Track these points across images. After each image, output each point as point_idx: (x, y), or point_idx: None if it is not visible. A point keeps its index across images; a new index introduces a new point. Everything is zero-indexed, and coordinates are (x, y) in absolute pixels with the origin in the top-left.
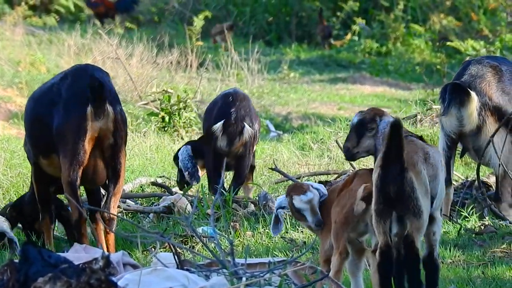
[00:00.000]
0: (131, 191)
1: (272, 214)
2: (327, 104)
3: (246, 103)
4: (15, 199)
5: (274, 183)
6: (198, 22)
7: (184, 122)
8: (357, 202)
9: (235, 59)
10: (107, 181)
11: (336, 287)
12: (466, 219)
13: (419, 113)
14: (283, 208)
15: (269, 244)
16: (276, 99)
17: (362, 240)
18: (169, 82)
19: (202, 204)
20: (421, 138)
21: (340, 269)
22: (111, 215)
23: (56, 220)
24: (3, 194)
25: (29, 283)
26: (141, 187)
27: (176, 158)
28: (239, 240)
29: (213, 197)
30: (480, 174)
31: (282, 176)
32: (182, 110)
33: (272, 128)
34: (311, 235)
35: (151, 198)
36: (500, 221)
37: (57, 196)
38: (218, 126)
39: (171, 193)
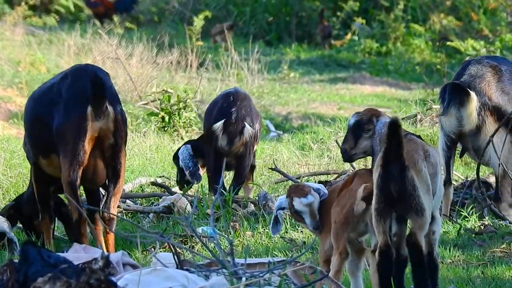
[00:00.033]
0: (131, 191)
1: (272, 214)
2: (327, 104)
3: (247, 102)
4: None
5: (274, 183)
6: (198, 22)
7: (184, 122)
8: (357, 202)
9: (235, 59)
10: (107, 181)
11: (336, 287)
12: (466, 219)
13: (419, 113)
14: (283, 209)
15: (269, 244)
16: (276, 99)
17: (362, 240)
18: (169, 82)
19: (202, 204)
20: (419, 137)
21: (340, 269)
22: (111, 215)
23: (56, 220)
24: (3, 194)
25: (28, 283)
26: (141, 187)
27: (175, 157)
28: (239, 240)
29: (213, 197)
30: (480, 174)
31: (282, 176)
32: (182, 110)
33: (272, 128)
34: (310, 235)
35: (151, 198)
36: (500, 221)
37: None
38: (218, 125)
39: (171, 193)
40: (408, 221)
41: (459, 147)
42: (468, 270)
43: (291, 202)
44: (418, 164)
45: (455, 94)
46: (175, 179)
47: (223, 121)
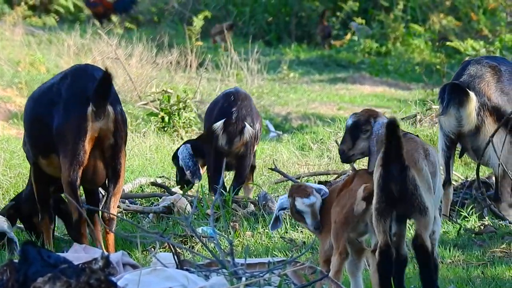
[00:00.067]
0: (131, 191)
1: (271, 214)
2: (326, 104)
3: (248, 102)
4: None
5: (274, 183)
6: (198, 22)
7: (184, 122)
8: (357, 202)
9: (234, 59)
10: (107, 181)
11: (336, 287)
12: (466, 219)
13: (418, 113)
14: (284, 209)
15: (269, 244)
16: (276, 99)
17: (362, 240)
18: (169, 82)
19: (202, 204)
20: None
21: (340, 269)
22: (111, 215)
23: (56, 220)
24: (2, 194)
25: (28, 283)
26: (141, 187)
27: (175, 157)
28: (239, 240)
29: (212, 197)
30: (480, 174)
31: (282, 176)
32: (182, 110)
33: (271, 128)
34: (310, 235)
35: (150, 198)
36: (500, 221)
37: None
38: (218, 124)
39: (171, 193)
40: (412, 222)
41: (458, 147)
42: (468, 270)
43: (293, 202)
44: (419, 163)
45: (454, 94)
46: (175, 179)
47: (223, 120)
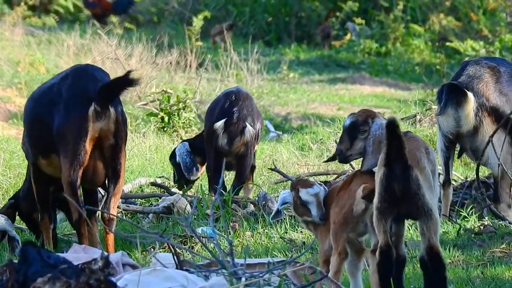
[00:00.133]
0: (131, 191)
1: (271, 214)
2: (326, 105)
3: (249, 102)
4: None
5: (274, 184)
6: (198, 22)
7: (184, 123)
8: (356, 202)
9: (234, 59)
10: (106, 182)
11: (336, 287)
12: (466, 219)
13: (418, 113)
14: (285, 203)
15: (269, 245)
16: (276, 100)
17: (361, 240)
18: (169, 82)
19: (202, 204)
20: None
21: (339, 269)
22: (110, 216)
23: (56, 220)
24: (2, 194)
25: (28, 284)
26: (141, 187)
27: (172, 157)
28: (239, 241)
29: (212, 197)
30: (480, 174)
31: (282, 176)
32: (182, 111)
33: (271, 128)
34: (310, 236)
35: (150, 199)
36: (500, 221)
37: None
38: (219, 124)
39: (171, 194)
40: (412, 222)
41: (458, 147)
42: (468, 270)
43: (297, 193)
44: (422, 162)
45: (452, 95)
46: (173, 179)
47: (224, 120)
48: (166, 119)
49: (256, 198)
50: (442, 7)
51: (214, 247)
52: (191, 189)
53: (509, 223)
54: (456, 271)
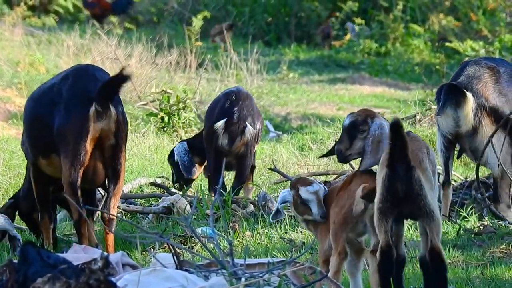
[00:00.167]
0: (130, 191)
1: (271, 214)
2: (326, 105)
3: (249, 102)
4: None
5: (273, 184)
6: (197, 22)
7: (183, 123)
8: (356, 203)
9: (234, 59)
10: (107, 182)
11: (335, 287)
12: (465, 219)
13: (418, 113)
14: (285, 202)
15: (268, 245)
16: (275, 100)
17: (361, 240)
18: (168, 82)
19: (201, 204)
20: None
21: (339, 270)
22: (110, 216)
23: (56, 220)
24: (2, 194)
25: (28, 284)
26: (140, 187)
27: (170, 157)
28: (238, 241)
29: (212, 197)
30: (480, 174)
31: (281, 176)
32: (181, 111)
33: (271, 128)
34: (310, 236)
35: (150, 199)
36: (500, 221)
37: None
38: (220, 124)
39: (170, 194)
40: (412, 222)
41: (458, 147)
42: (468, 271)
43: (297, 192)
44: (423, 163)
45: (451, 95)
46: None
47: (225, 120)
48: (166, 119)
49: (256, 198)
50: (442, 7)
51: (214, 247)
52: (191, 189)
53: (509, 223)
54: (456, 271)
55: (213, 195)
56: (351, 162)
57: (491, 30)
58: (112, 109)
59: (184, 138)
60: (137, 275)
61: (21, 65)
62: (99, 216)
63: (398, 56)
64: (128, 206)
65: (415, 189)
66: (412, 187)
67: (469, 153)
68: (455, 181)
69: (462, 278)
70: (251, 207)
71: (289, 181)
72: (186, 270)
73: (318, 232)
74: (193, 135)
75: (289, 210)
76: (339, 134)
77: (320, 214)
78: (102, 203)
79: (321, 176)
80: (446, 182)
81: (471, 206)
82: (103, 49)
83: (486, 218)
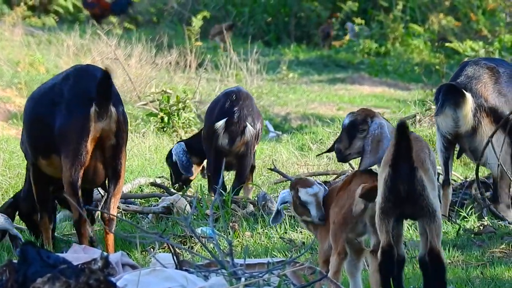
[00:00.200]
0: (130, 191)
1: (271, 214)
2: (326, 105)
3: (249, 102)
4: None
5: (273, 184)
6: (197, 22)
7: (183, 123)
8: (355, 203)
9: (234, 59)
10: (107, 182)
11: (335, 287)
12: (465, 219)
13: (418, 113)
14: (285, 203)
15: (268, 245)
16: (275, 100)
17: (361, 240)
18: (168, 82)
19: (201, 204)
20: None
21: (339, 270)
22: (110, 216)
23: (56, 221)
24: (2, 194)
25: (28, 284)
26: (140, 187)
27: (169, 157)
28: (238, 241)
29: (212, 197)
30: (480, 174)
31: (281, 176)
32: (181, 111)
33: (271, 128)
34: (310, 236)
35: (150, 199)
36: (499, 221)
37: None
38: (220, 124)
39: (170, 194)
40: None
41: (458, 147)
42: (467, 271)
43: (297, 193)
44: (426, 163)
45: (450, 95)
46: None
47: (225, 120)
48: (165, 119)
49: (256, 198)
50: (442, 7)
51: (213, 247)
52: (191, 189)
53: (509, 223)
54: (456, 271)
55: (213, 195)
56: (350, 162)
57: (491, 30)
58: (113, 109)
59: (184, 138)
60: (137, 275)
61: (21, 65)
62: (99, 216)
63: (398, 56)
64: (128, 206)
65: (418, 189)
66: (414, 187)
67: (469, 153)
68: (455, 181)
69: (462, 278)
70: (251, 207)
71: (289, 181)
72: (186, 270)
73: (318, 232)
74: (191, 135)
75: (289, 210)
76: (338, 134)
77: (319, 216)
78: (102, 203)
79: (321, 176)
80: (446, 182)
81: (471, 206)
82: (103, 49)
83: (486, 218)
